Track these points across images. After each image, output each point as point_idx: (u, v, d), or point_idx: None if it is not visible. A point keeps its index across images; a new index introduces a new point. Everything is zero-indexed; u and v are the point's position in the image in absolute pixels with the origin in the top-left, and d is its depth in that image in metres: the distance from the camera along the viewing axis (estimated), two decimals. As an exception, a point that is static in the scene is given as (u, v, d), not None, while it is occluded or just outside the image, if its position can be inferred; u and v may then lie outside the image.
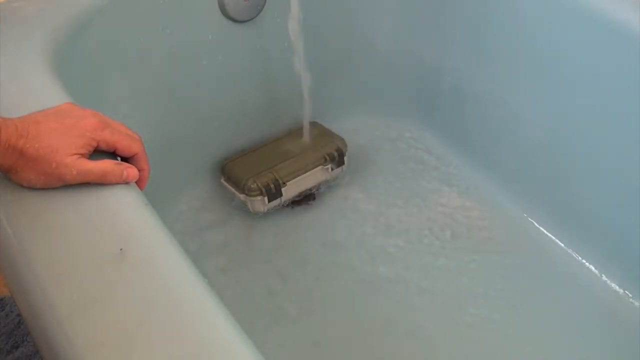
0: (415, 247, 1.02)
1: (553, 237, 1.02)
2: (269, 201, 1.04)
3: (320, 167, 1.08)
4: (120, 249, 0.50)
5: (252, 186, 1.03)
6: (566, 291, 0.96)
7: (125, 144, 0.58)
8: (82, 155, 0.54)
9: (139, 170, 0.58)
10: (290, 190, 1.06)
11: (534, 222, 1.04)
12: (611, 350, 0.89)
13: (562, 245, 1.00)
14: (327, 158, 1.08)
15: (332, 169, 1.09)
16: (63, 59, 0.75)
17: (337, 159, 1.09)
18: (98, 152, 0.57)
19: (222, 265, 1.01)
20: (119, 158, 0.59)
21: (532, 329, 0.92)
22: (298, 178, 1.06)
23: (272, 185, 1.03)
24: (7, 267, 0.52)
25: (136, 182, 0.58)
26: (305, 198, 1.10)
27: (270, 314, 0.94)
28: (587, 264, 0.98)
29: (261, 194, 1.03)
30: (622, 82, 0.86)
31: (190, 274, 0.49)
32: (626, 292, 0.94)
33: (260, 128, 1.13)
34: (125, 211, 0.54)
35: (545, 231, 1.03)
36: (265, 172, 1.05)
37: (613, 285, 0.95)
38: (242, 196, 1.04)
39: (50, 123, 0.54)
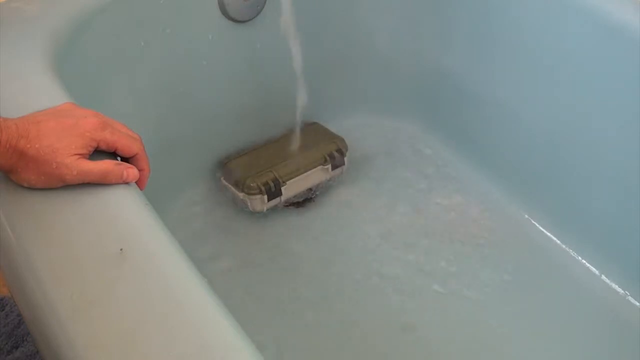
0: (414, 247, 1.02)
1: (553, 237, 1.02)
2: (269, 200, 1.04)
3: (320, 167, 1.08)
4: (120, 249, 0.50)
5: (251, 185, 1.03)
6: (566, 291, 0.96)
7: (125, 144, 0.58)
8: (83, 155, 0.54)
9: (139, 171, 0.58)
10: (290, 189, 1.06)
11: (533, 222, 1.04)
12: (611, 350, 0.89)
13: (562, 245, 1.00)
14: (327, 158, 1.08)
15: (332, 169, 1.09)
16: (63, 59, 0.75)
17: (337, 158, 1.09)
18: (98, 152, 0.57)
19: (222, 264, 1.01)
20: (119, 158, 0.59)
21: (532, 328, 0.92)
22: (298, 177, 1.06)
23: (271, 185, 1.03)
24: (7, 267, 0.53)
25: (136, 182, 0.58)
26: (305, 198, 1.10)
27: (270, 313, 0.94)
28: (587, 264, 0.98)
29: (261, 192, 1.03)
30: (622, 83, 0.86)
31: (190, 274, 0.49)
32: (626, 292, 0.94)
33: (261, 127, 1.13)
34: (125, 211, 0.54)
35: (545, 231, 1.03)
36: (265, 172, 1.05)
37: (613, 285, 0.95)
38: (241, 195, 1.04)
39: (51, 123, 0.54)
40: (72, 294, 0.47)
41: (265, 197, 1.03)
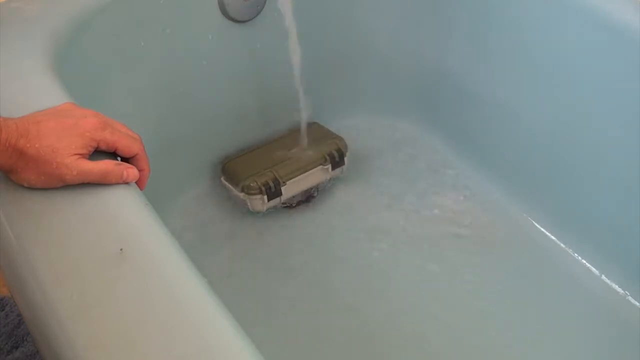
0: (414, 248, 1.02)
1: (553, 237, 1.02)
2: (269, 200, 1.04)
3: (320, 167, 1.08)
4: (120, 249, 0.50)
5: (251, 185, 1.03)
6: (566, 291, 0.96)
7: (125, 144, 0.58)
8: (83, 155, 0.54)
9: (139, 171, 0.58)
10: (290, 189, 1.06)
11: (534, 222, 1.04)
12: (611, 350, 0.89)
13: (562, 245, 1.00)
14: (327, 158, 1.08)
15: (331, 169, 1.09)
16: (63, 59, 0.75)
17: (337, 159, 1.09)
18: (98, 152, 0.57)
19: (222, 265, 1.01)
20: (119, 158, 0.59)
21: (532, 329, 0.92)
22: (298, 177, 1.06)
23: (271, 185, 1.03)
24: (7, 267, 0.53)
25: (136, 182, 0.58)
26: (305, 198, 1.10)
27: (270, 313, 0.94)
28: (587, 264, 0.98)
29: (261, 193, 1.03)
30: (622, 83, 0.86)
31: (190, 274, 0.49)
32: (626, 292, 0.94)
33: (260, 127, 1.13)
34: (125, 211, 0.54)
35: (545, 231, 1.03)
36: (265, 172, 1.05)
37: (613, 285, 0.95)
38: (241, 195, 1.04)
39: (51, 123, 0.54)
40: (72, 294, 0.47)
41: (265, 197, 1.03)
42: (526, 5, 0.94)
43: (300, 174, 1.06)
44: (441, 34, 1.09)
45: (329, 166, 1.08)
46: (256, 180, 1.03)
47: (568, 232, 1.00)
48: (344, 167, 1.11)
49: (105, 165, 0.55)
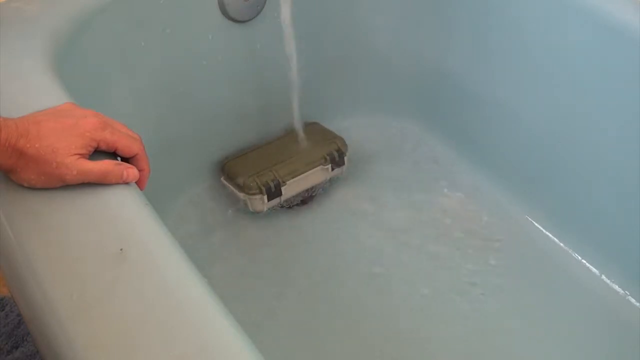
0: (414, 248, 1.02)
1: (553, 237, 1.02)
2: (269, 200, 1.04)
3: (320, 167, 1.08)
4: (120, 249, 0.50)
5: (251, 185, 1.03)
6: (566, 291, 0.96)
7: (125, 144, 0.58)
8: (82, 155, 0.54)
9: (139, 171, 0.58)
10: (290, 189, 1.06)
11: (534, 222, 1.04)
12: (611, 350, 0.89)
13: (562, 245, 1.00)
14: (327, 158, 1.08)
15: (332, 169, 1.09)
16: (63, 59, 0.75)
17: (337, 159, 1.09)
18: (98, 152, 0.57)
19: (222, 265, 1.01)
20: (119, 158, 0.59)
21: (532, 329, 0.92)
22: (298, 177, 1.06)
23: (271, 184, 1.03)
24: (7, 267, 0.53)
25: (136, 183, 0.58)
26: (305, 198, 1.10)
27: (269, 313, 0.94)
28: (587, 264, 0.98)
29: (261, 192, 1.03)
30: (622, 83, 0.86)
31: (190, 274, 0.49)
32: (626, 292, 0.94)
33: (260, 127, 1.13)
34: (125, 211, 0.54)
35: (545, 231, 1.03)
36: (265, 171, 1.05)
37: (613, 285, 0.95)
38: (241, 195, 1.04)
39: (51, 123, 0.54)
40: (72, 294, 0.47)
41: (265, 197, 1.03)
42: (526, 5, 0.94)
43: (300, 174, 1.06)
44: (441, 34, 1.09)
45: (329, 166, 1.08)
46: (256, 180, 1.03)
47: (568, 232, 1.00)
48: (344, 167, 1.11)
49: (105, 165, 0.55)
